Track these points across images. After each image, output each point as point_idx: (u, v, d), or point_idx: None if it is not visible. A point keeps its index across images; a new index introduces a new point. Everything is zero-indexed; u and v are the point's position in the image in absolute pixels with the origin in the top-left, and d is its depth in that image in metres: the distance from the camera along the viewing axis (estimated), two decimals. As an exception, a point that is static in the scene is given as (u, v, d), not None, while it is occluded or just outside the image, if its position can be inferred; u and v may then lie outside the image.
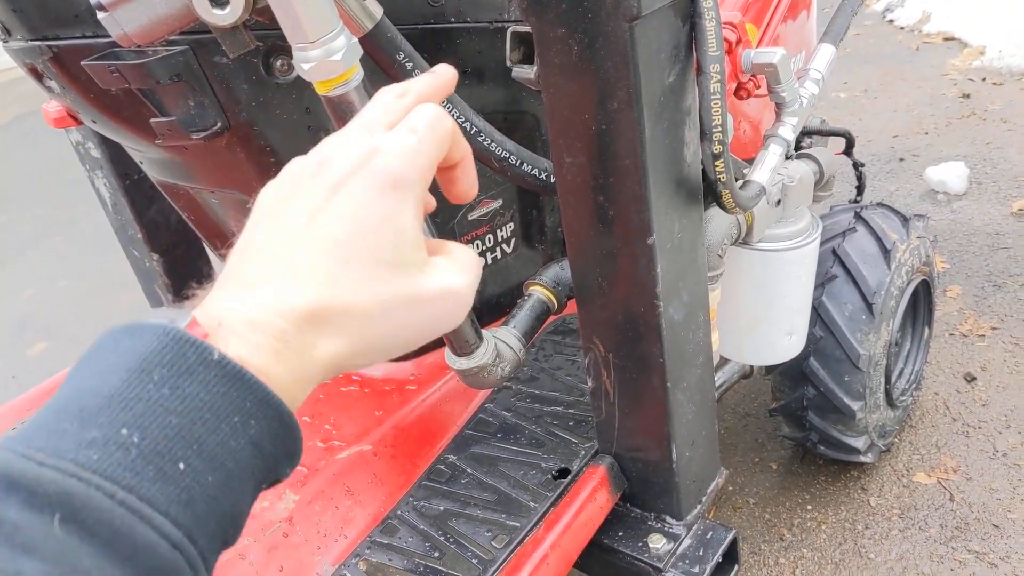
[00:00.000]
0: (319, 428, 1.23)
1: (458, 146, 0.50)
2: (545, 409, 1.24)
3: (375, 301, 0.43)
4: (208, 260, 1.87)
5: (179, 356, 0.38)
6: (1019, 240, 2.63)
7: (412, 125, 0.47)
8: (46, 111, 1.45)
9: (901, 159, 3.42)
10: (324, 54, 0.66)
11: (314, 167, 0.46)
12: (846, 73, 4.46)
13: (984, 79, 4.14)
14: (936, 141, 3.53)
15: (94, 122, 1.13)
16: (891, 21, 5.52)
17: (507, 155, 1.05)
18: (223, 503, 0.38)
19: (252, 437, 0.38)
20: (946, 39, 4.93)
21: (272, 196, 0.46)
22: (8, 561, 0.31)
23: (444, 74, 0.53)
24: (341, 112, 0.72)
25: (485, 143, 1.03)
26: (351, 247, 0.42)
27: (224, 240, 1.40)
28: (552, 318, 1.14)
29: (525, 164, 1.07)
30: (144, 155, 1.23)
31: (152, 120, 1.02)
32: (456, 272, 0.47)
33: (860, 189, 2.13)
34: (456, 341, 0.94)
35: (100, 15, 0.73)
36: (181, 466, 0.36)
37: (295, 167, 0.47)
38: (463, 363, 0.94)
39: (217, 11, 0.69)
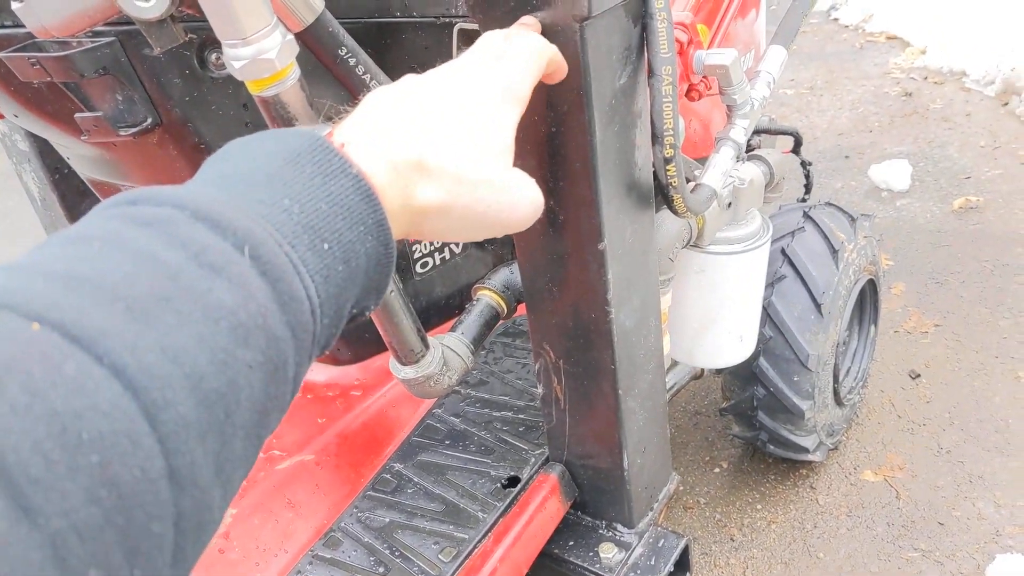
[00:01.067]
0: (260, 436, 1.19)
1: (555, 64, 0.66)
2: (495, 414, 1.21)
3: (468, 171, 0.51)
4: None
5: (325, 159, 0.43)
6: (959, 238, 2.69)
7: (516, 52, 0.59)
8: (-35, 105, 1.37)
9: (846, 156, 3.47)
10: (256, 52, 0.62)
11: (448, 69, 0.56)
12: (792, 70, 4.52)
13: (926, 78, 4.23)
14: (880, 139, 3.59)
15: (16, 116, 1.06)
16: (836, 19, 5.61)
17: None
18: (340, 298, 0.42)
19: (367, 250, 0.43)
20: (889, 38, 5.03)
21: (407, 77, 0.56)
22: (198, 278, 0.34)
23: (536, 26, 0.70)
24: (275, 112, 0.68)
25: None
26: (462, 127, 0.51)
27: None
28: (501, 321, 1.12)
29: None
30: (71, 151, 1.17)
31: (77, 115, 0.96)
32: (530, 180, 0.56)
33: (808, 187, 2.15)
34: (401, 349, 0.91)
35: (15, 5, 0.68)
36: (326, 246, 0.40)
37: (431, 72, 0.57)
38: (409, 372, 0.91)
39: (141, 3, 0.64)
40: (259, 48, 0.61)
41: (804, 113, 4.05)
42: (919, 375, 2.11)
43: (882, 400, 2.05)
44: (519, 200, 0.54)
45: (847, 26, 5.44)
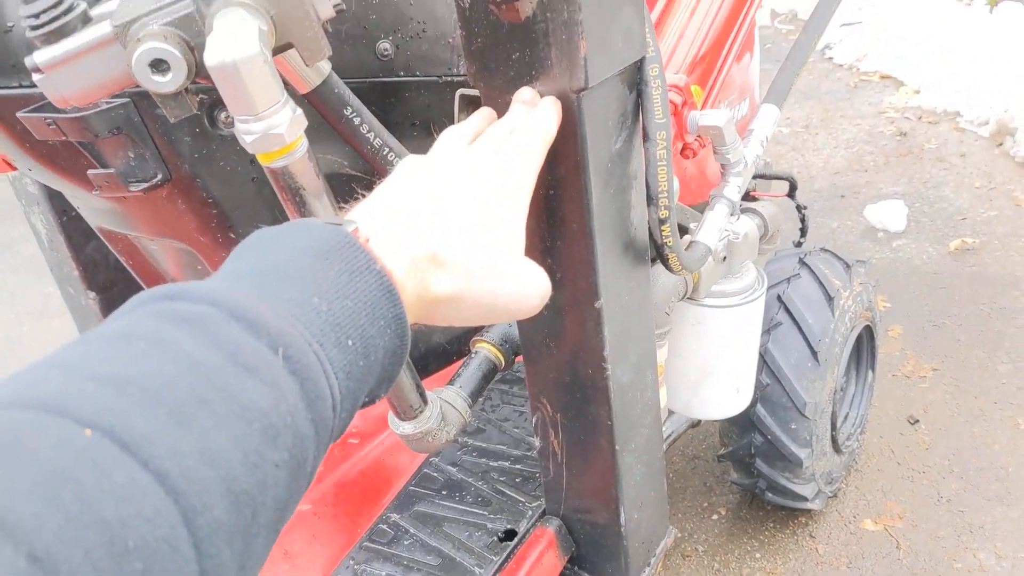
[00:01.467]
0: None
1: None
2: (492, 464, 1.22)
3: (480, 263, 0.54)
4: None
5: (352, 255, 0.45)
6: (956, 280, 2.71)
7: (523, 147, 0.64)
8: (-23, 156, 1.39)
9: (842, 196, 3.51)
10: (267, 127, 0.64)
11: (460, 161, 0.60)
12: (788, 109, 4.57)
13: (920, 118, 4.28)
14: (875, 178, 3.63)
15: (30, 170, 1.09)
16: (830, 58, 5.68)
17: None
18: (358, 391, 0.43)
19: (385, 344, 0.45)
20: (883, 77, 5.10)
21: (421, 164, 0.60)
22: (234, 379, 0.35)
23: (534, 102, 0.73)
24: (283, 182, 0.70)
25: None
26: (475, 221, 0.55)
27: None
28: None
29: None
30: (81, 202, 1.19)
31: (90, 172, 0.98)
32: (539, 270, 0.59)
33: (803, 231, 2.17)
34: (400, 405, 0.92)
35: (36, 77, 0.70)
36: (350, 343, 0.42)
37: (446, 146, 0.63)
38: (407, 428, 0.92)
39: (158, 78, 0.66)
40: (270, 123, 0.63)
41: (800, 151, 4.10)
42: (918, 420, 2.11)
43: (881, 446, 2.06)
44: (528, 289, 0.58)
45: (841, 65, 5.51)
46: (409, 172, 0.60)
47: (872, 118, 4.39)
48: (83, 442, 0.31)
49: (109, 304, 1.80)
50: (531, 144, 0.65)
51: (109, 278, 1.77)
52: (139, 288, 1.77)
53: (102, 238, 1.33)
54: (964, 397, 2.18)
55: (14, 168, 1.38)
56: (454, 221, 0.54)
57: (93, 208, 1.19)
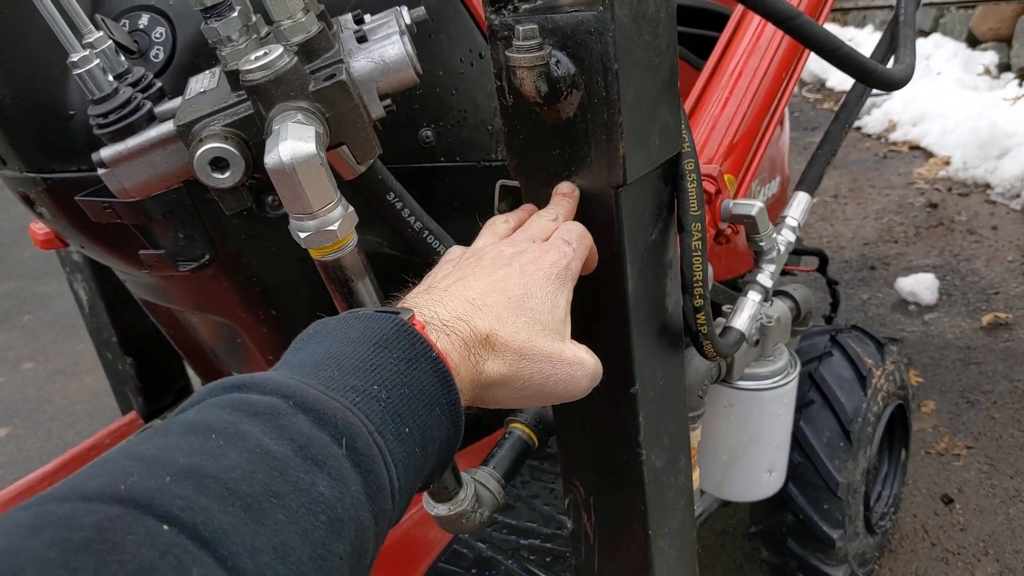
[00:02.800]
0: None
1: (593, 256, 0.72)
2: (522, 542, 1.22)
3: (529, 345, 0.55)
4: (183, 369, 1.85)
5: (409, 344, 0.46)
6: (989, 355, 2.68)
7: (567, 238, 0.66)
8: (33, 231, 1.45)
9: (872, 267, 3.50)
10: (320, 224, 0.67)
11: (507, 250, 0.63)
12: (818, 180, 4.60)
13: (950, 189, 4.28)
14: (906, 250, 3.62)
15: (82, 247, 1.13)
16: (859, 128, 5.72)
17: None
18: (415, 481, 0.44)
19: (441, 433, 0.46)
20: (912, 148, 5.12)
21: (468, 251, 0.64)
22: (303, 472, 0.37)
23: (573, 195, 0.73)
24: (332, 274, 0.73)
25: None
26: (522, 305, 0.57)
27: (202, 357, 1.39)
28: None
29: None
30: (128, 276, 1.23)
31: (141, 252, 1.02)
32: (587, 353, 0.62)
33: (835, 306, 2.17)
34: (435, 486, 0.93)
35: (101, 172, 0.74)
36: (407, 430, 0.43)
37: (491, 235, 0.69)
38: (442, 509, 0.93)
39: (218, 175, 0.70)
40: (323, 221, 0.66)
41: (829, 221, 4.11)
42: (952, 500, 2.07)
43: (915, 526, 2.02)
44: (577, 373, 0.59)
45: (870, 135, 5.55)
46: (458, 260, 0.63)
47: (902, 189, 4.40)
48: (165, 539, 0.32)
49: (144, 370, 1.84)
50: (577, 235, 0.68)
51: (146, 345, 1.82)
52: (175, 357, 1.80)
53: (144, 308, 1.37)
54: (999, 476, 2.14)
55: (66, 245, 1.43)
56: (504, 304, 0.56)
57: (139, 282, 1.23)
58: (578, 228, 0.70)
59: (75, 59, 0.70)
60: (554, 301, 0.61)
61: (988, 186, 4.15)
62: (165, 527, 0.32)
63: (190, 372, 1.80)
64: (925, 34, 6.77)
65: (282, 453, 0.37)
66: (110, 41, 0.75)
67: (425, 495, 0.97)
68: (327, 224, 0.67)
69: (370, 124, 0.76)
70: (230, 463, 0.36)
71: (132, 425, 1.87)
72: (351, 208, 0.69)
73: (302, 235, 0.67)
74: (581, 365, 0.60)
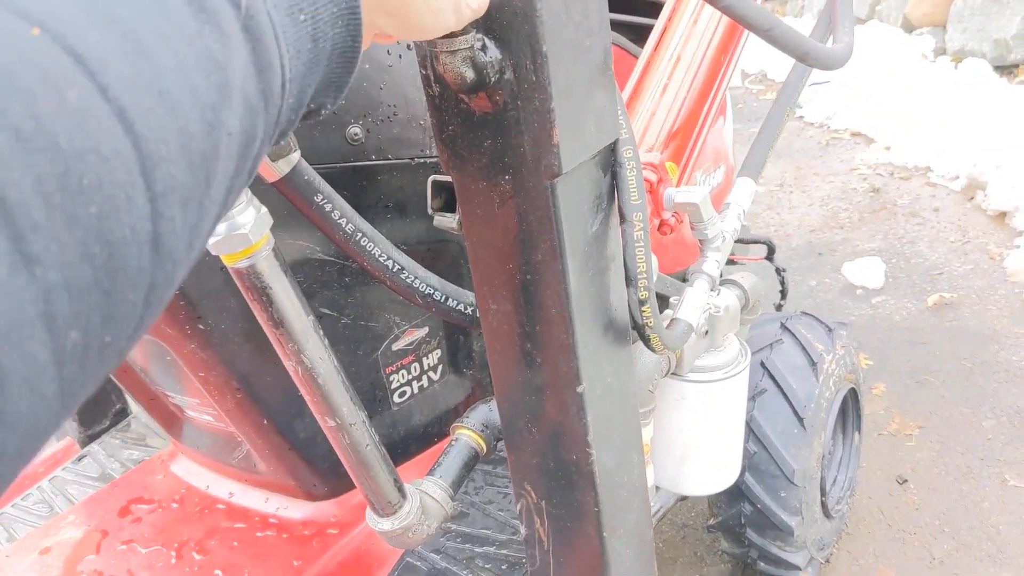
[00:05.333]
0: (233, 582, 1.15)
1: None
2: (477, 550, 1.18)
3: None
4: (120, 391, 1.77)
5: None
6: (936, 335, 2.72)
7: None
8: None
9: (820, 253, 3.53)
10: (229, 228, 0.62)
11: None
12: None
13: (892, 174, 4.36)
14: (851, 235, 3.66)
15: None
16: (801, 117, 5.80)
17: (431, 291, 1.02)
18: (304, 80, 0.40)
19: (335, 35, 0.41)
20: (853, 135, 5.21)
21: None
22: (190, 17, 0.31)
23: None
24: (249, 282, 0.68)
25: (408, 280, 1.00)
26: None
27: (134, 379, 1.33)
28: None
29: (450, 299, 1.04)
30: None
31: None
32: None
33: (784, 294, 2.17)
34: (378, 501, 0.88)
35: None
36: (301, 17, 0.38)
37: None
38: (386, 524, 0.89)
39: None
40: (232, 224, 0.62)
41: (775, 210, 4.14)
42: (906, 480, 2.09)
43: (870, 507, 2.02)
44: None
45: (812, 123, 5.63)
46: None
47: (845, 175, 4.47)
48: (29, 42, 0.25)
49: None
50: None
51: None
52: (109, 379, 1.72)
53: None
54: (951, 454, 2.16)
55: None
56: None
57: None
58: None
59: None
60: None
61: (929, 169, 4.23)
62: (30, 27, 0.26)
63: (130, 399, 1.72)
64: (862, 21, 6.90)
65: None
66: None
67: (368, 510, 0.92)
68: (237, 228, 0.62)
69: (285, 119, 0.71)
70: None
71: (67, 452, 1.79)
72: (264, 209, 0.65)
73: (210, 240, 0.62)
74: None
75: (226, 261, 0.65)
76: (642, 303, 0.87)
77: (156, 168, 0.28)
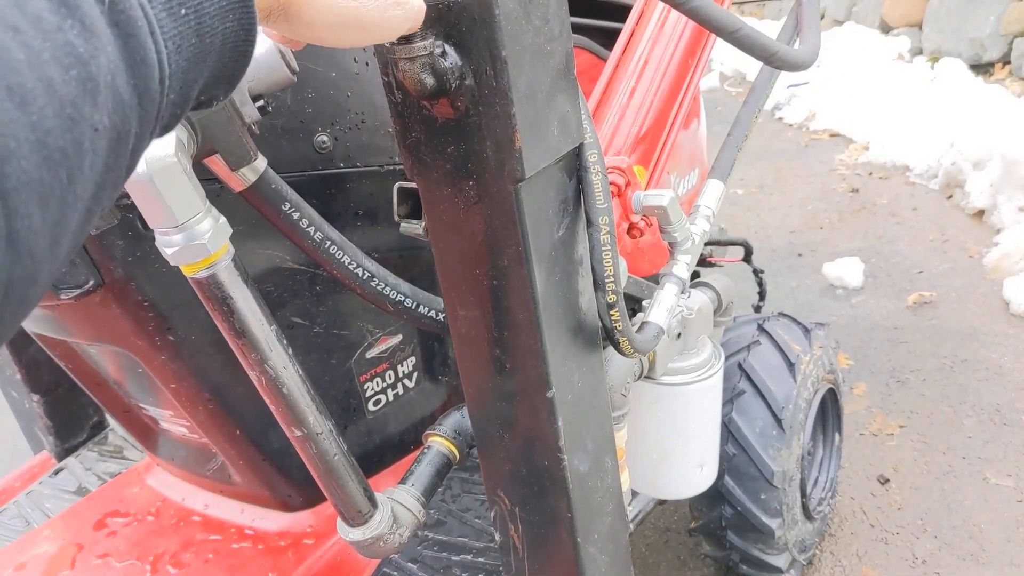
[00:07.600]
0: (208, 595, 1.13)
1: None
2: (454, 559, 1.17)
3: None
4: (96, 404, 1.75)
5: None
6: (916, 334, 2.73)
7: None
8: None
9: (800, 254, 3.55)
10: (188, 238, 0.62)
11: None
12: (741, 169, 4.66)
13: (871, 173, 4.38)
14: (831, 236, 3.68)
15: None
16: (780, 119, 5.84)
17: (402, 298, 1.02)
18: (189, 75, 0.39)
19: (226, 29, 0.40)
20: (832, 135, 5.24)
21: None
22: (48, 11, 0.31)
23: None
24: (209, 292, 0.68)
25: (379, 287, 1.00)
26: None
27: (107, 391, 1.31)
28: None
29: (422, 306, 1.03)
30: (13, 307, 1.15)
31: (15, 280, 0.95)
32: None
33: (762, 295, 2.18)
34: (347, 511, 0.88)
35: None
36: (183, 12, 0.37)
37: None
38: (356, 534, 0.88)
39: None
40: (191, 234, 0.61)
41: (755, 212, 4.16)
42: (888, 480, 2.09)
43: (853, 508, 2.03)
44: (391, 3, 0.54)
45: (791, 125, 5.66)
46: None
47: (824, 176, 4.49)
48: None
49: (53, 407, 1.74)
50: None
51: (52, 380, 1.72)
52: (81, 389, 1.71)
53: (39, 343, 1.29)
54: (932, 453, 2.17)
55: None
56: None
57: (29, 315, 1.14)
58: None
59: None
60: None
61: (907, 168, 4.26)
62: None
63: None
64: (839, 23, 6.95)
65: None
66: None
67: (339, 520, 0.91)
68: (196, 237, 0.61)
69: (243, 128, 0.71)
70: None
71: (44, 466, 1.77)
72: (223, 219, 0.64)
73: (169, 251, 0.62)
74: None
75: (185, 272, 0.65)
76: (610, 306, 0.87)
77: (5, 164, 0.28)
